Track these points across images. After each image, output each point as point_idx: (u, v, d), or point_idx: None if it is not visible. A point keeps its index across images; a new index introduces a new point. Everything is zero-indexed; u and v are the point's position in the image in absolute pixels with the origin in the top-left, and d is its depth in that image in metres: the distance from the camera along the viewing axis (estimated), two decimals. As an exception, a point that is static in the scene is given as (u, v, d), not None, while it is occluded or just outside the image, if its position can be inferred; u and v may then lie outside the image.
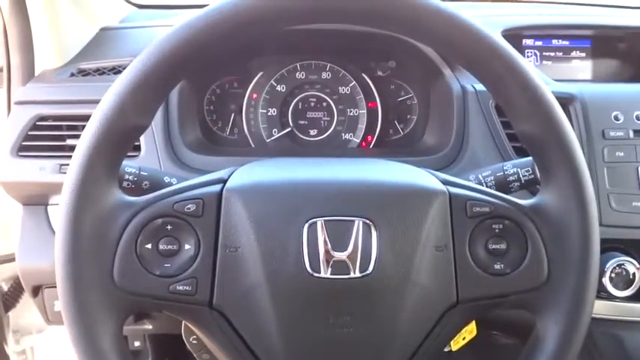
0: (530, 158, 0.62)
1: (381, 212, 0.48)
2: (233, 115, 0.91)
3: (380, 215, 0.47)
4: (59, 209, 0.45)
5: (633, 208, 0.72)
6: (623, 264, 0.70)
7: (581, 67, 0.94)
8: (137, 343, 1.06)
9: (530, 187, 0.61)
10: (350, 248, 0.47)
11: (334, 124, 0.91)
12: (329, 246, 0.46)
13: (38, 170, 0.73)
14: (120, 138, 0.46)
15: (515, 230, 0.50)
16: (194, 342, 0.54)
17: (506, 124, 0.77)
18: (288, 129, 0.90)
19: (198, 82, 0.89)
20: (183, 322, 0.53)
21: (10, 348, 1.19)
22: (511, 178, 0.61)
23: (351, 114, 0.92)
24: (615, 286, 0.69)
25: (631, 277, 0.70)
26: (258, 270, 0.46)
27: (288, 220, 0.47)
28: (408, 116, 0.93)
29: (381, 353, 0.48)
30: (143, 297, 0.47)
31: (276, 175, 0.50)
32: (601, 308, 0.72)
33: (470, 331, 0.78)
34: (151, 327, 0.85)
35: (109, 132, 0.45)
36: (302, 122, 0.92)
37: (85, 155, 0.45)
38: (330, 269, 0.46)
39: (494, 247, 0.50)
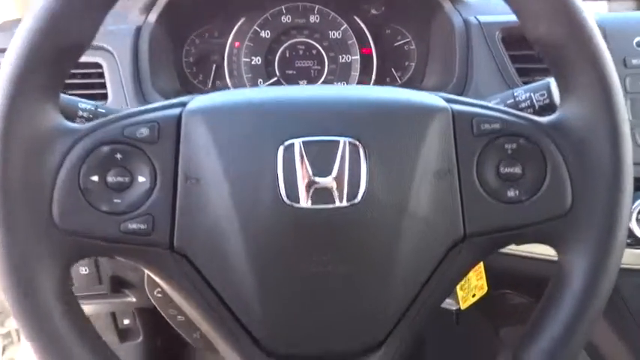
0: (545, 80, 0.54)
1: (370, 130, 0.40)
2: (214, 66, 0.84)
3: (370, 134, 0.40)
4: None
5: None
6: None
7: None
8: (126, 321, 1.00)
9: (545, 113, 0.54)
10: (334, 173, 0.39)
11: (325, 73, 0.84)
12: (309, 171, 0.39)
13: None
14: (55, 55, 0.38)
15: (532, 150, 0.42)
16: (158, 295, 0.46)
17: (514, 58, 0.69)
18: (274, 79, 0.83)
19: (175, 33, 0.81)
20: (146, 273, 0.46)
21: (-5, 331, 1.13)
22: (523, 104, 0.53)
23: (343, 61, 0.84)
24: (645, 229, 0.61)
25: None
26: (225, 203, 0.39)
27: (260, 143, 0.39)
28: (406, 63, 0.86)
29: (375, 297, 0.41)
30: (89, 238, 0.39)
31: (246, 95, 0.42)
32: (627, 257, 0.64)
33: (480, 287, 0.70)
34: (134, 299, 0.79)
35: (41, 45, 0.37)
36: (290, 72, 0.84)
37: (16, 68, 0.37)
38: (311, 198, 0.39)
39: (507, 170, 0.42)
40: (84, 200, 0.39)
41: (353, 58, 0.84)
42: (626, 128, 0.41)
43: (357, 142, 0.39)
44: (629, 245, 0.63)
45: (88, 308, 0.82)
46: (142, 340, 1.01)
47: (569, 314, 0.41)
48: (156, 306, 0.47)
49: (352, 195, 0.39)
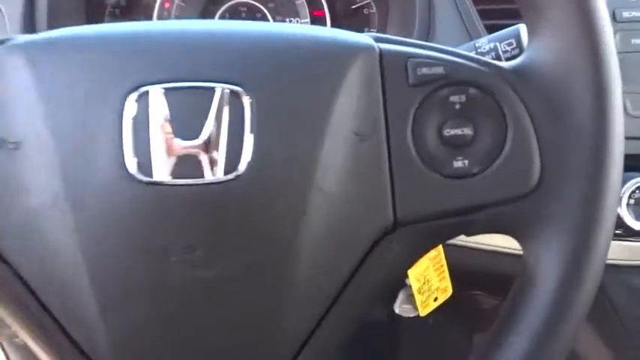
0: (513, 28, 0.43)
1: (260, 74, 0.29)
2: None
3: (259, 79, 0.28)
4: None
5: (658, 114, 0.53)
6: (646, 187, 0.51)
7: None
8: None
9: None
10: (206, 134, 0.28)
11: (271, 39, 0.72)
12: (169, 130, 0.27)
13: None
14: None
15: (487, 105, 0.31)
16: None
17: (483, 14, 0.58)
18: (211, 45, 0.71)
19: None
20: None
21: None
22: (487, 56, 0.42)
23: (292, 22, 0.73)
24: (637, 218, 0.50)
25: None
26: (51, 177, 0.28)
27: (101, 90, 0.28)
28: (366, 29, 0.74)
29: (268, 312, 0.29)
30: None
31: (91, 29, 0.30)
32: (615, 251, 0.53)
33: (443, 289, 0.59)
34: None
35: None
36: (229, 38, 0.72)
37: None
38: (171, 169, 0.27)
39: (452, 132, 0.31)
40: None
41: (302, 21, 0.73)
42: (613, 76, 0.30)
43: (240, 90, 0.28)
44: (617, 237, 0.53)
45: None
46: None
47: (538, 327, 0.30)
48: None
49: (232, 165, 0.28)
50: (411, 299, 0.58)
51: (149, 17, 0.72)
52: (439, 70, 0.30)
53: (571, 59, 0.30)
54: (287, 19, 0.73)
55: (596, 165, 0.29)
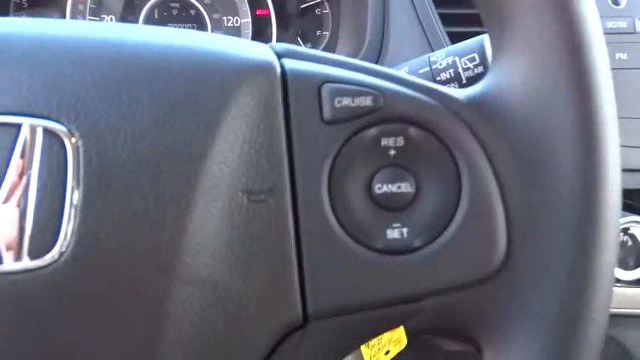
0: (476, 39, 0.35)
1: (94, 106, 0.19)
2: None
3: (92, 113, 0.19)
4: None
5: (644, 141, 0.45)
6: (630, 228, 0.44)
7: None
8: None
9: None
10: (3, 195, 0.18)
11: (207, 40, 0.63)
12: None
13: None
14: None
15: (434, 150, 0.22)
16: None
17: (446, 19, 0.50)
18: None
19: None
20: None
21: None
22: (444, 74, 0.33)
23: (230, 24, 0.64)
24: (621, 264, 0.43)
25: (643, 248, 0.44)
26: None
27: None
28: (318, 32, 0.66)
29: None
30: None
31: None
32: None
33: (396, 341, 0.51)
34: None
35: None
36: (158, 39, 0.62)
37: None
38: None
39: (386, 189, 0.22)
40: None
41: (243, 21, 0.63)
42: (607, 113, 0.22)
43: (61, 128, 0.19)
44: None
45: None
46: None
47: None
48: None
49: (44, 245, 0.18)
50: (358, 355, 0.50)
51: (62, 12, 0.61)
52: (367, 100, 0.22)
53: (549, 87, 0.21)
54: (225, 18, 0.63)
55: (582, 241, 0.21)
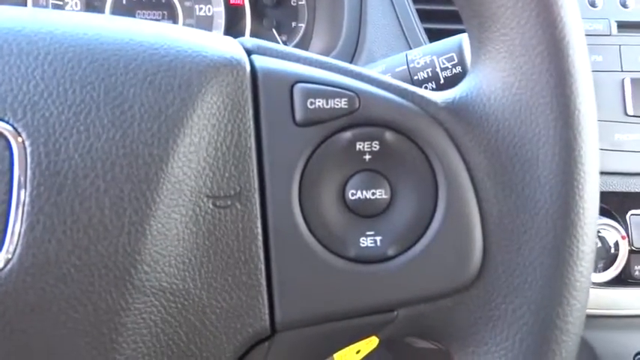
0: (454, 38, 0.34)
1: (44, 102, 0.18)
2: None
3: (41, 110, 0.18)
4: None
5: (616, 144, 0.46)
6: (600, 231, 0.44)
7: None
8: None
9: None
10: None
11: (177, 29, 0.60)
12: None
13: None
14: None
15: (410, 155, 0.21)
16: None
17: (424, 15, 0.49)
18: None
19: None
20: None
21: None
22: (421, 73, 0.32)
23: (202, 13, 0.62)
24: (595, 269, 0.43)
25: (613, 249, 0.45)
26: None
27: None
28: (294, 24, 0.64)
29: None
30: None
31: None
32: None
33: (367, 341, 0.50)
34: None
35: None
36: (126, 26, 0.60)
37: None
38: None
39: (360, 195, 0.21)
40: None
41: (215, 10, 0.61)
42: (589, 120, 0.21)
43: (6, 127, 0.17)
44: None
45: None
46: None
47: None
48: None
49: None
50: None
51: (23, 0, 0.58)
52: (342, 102, 0.20)
53: (529, 94, 0.20)
54: (197, 6, 0.61)
55: (558, 252, 0.20)
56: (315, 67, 0.21)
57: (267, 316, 0.20)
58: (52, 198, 0.17)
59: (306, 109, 0.20)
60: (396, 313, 0.21)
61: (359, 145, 0.21)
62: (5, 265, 0.17)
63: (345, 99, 0.21)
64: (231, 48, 0.21)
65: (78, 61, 0.18)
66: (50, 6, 0.59)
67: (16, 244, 0.17)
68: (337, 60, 0.23)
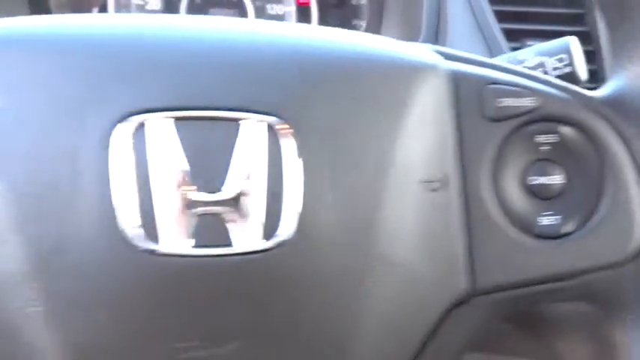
0: (560, 40, 0.37)
1: (305, 101, 0.21)
2: (96, 10, 0.62)
3: (304, 108, 0.21)
4: None
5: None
6: None
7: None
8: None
9: None
10: (231, 184, 0.20)
11: (249, 28, 0.63)
12: (180, 179, 0.19)
13: None
14: None
15: (583, 145, 0.25)
16: None
17: (500, 16, 0.52)
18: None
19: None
20: None
21: None
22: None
23: (274, 12, 0.64)
24: None
25: None
26: (11, 244, 0.19)
27: (77, 118, 0.19)
28: (354, 21, 0.67)
29: None
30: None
31: (49, 21, 0.21)
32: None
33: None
34: None
35: None
36: (201, 24, 0.63)
37: None
38: (185, 233, 0.19)
39: (540, 181, 0.24)
40: None
41: (286, 9, 0.64)
42: None
43: (277, 121, 0.20)
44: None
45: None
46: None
47: None
48: None
49: (269, 229, 0.20)
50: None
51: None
52: (527, 102, 0.24)
53: None
54: (268, 5, 0.64)
55: None
56: (500, 71, 0.24)
57: (466, 284, 0.24)
58: (321, 183, 0.20)
59: (496, 107, 0.24)
60: (570, 281, 0.25)
61: (538, 138, 0.24)
62: (282, 242, 0.20)
63: (529, 98, 0.24)
64: (428, 54, 0.24)
65: (330, 67, 0.21)
66: (133, 5, 0.62)
67: (291, 225, 0.20)
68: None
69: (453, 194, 0.23)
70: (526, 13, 0.51)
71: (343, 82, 0.22)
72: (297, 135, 0.20)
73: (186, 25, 0.22)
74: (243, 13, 0.64)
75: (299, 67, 0.21)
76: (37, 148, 0.19)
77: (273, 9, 0.64)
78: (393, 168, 0.22)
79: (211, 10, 0.64)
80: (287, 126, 0.20)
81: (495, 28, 0.51)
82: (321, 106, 0.21)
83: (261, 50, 0.21)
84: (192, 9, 0.63)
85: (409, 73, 0.23)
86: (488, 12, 0.52)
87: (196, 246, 0.19)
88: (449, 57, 0.24)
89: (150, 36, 0.21)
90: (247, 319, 0.20)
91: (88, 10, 0.63)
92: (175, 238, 0.19)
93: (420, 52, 0.24)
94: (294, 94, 0.21)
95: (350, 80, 0.22)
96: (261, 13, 0.64)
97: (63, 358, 0.19)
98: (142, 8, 0.62)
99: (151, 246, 0.19)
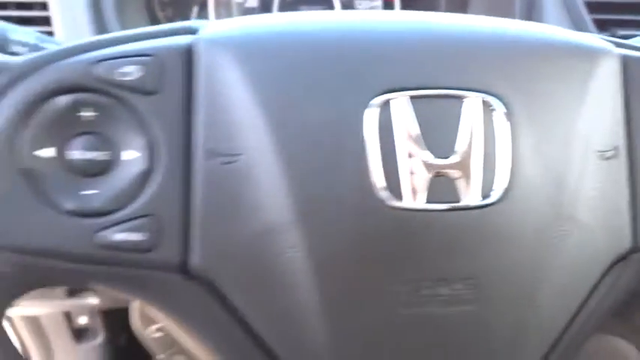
0: None
1: (513, 82, 0.25)
2: (196, 9, 0.66)
3: (511, 87, 0.25)
4: None
5: None
6: None
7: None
8: (83, 320, 0.81)
9: None
10: (459, 150, 0.24)
11: (338, 22, 0.67)
12: (422, 146, 0.23)
13: None
14: None
15: None
16: (156, 336, 0.30)
17: (590, 6, 0.55)
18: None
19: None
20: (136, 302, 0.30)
21: None
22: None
23: (361, 7, 0.68)
24: None
25: None
26: (280, 197, 0.23)
27: (332, 98, 0.23)
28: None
29: (510, 340, 0.26)
30: (43, 257, 0.23)
31: (292, 22, 0.25)
32: None
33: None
34: (97, 301, 0.61)
35: None
36: (293, 19, 0.67)
37: None
38: (424, 191, 0.23)
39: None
40: (30, 192, 0.22)
41: (374, 4, 0.68)
42: None
43: (495, 101, 0.24)
44: None
45: (36, 310, 0.64)
46: (102, 340, 0.83)
47: None
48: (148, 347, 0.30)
49: (487, 187, 0.24)
50: None
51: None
52: None
53: None
54: (356, 1, 0.68)
55: None
56: None
57: (629, 241, 0.27)
58: (525, 154, 0.24)
59: None
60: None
61: None
62: (499, 200, 0.24)
63: None
64: (603, 42, 0.28)
65: (523, 57, 0.25)
66: (233, 4, 0.66)
67: (505, 184, 0.24)
68: None
69: (622, 162, 0.27)
70: (615, 4, 0.54)
71: (539, 64, 0.25)
72: (507, 110, 0.24)
73: (403, 19, 0.26)
74: (330, 8, 0.68)
75: (504, 53, 0.25)
76: (307, 121, 0.23)
77: (361, 4, 0.68)
78: (578, 139, 0.26)
79: (301, 7, 0.68)
80: (499, 102, 0.24)
81: (587, 18, 0.54)
82: (524, 84, 0.25)
83: (471, 39, 0.25)
84: (284, 6, 0.67)
85: (590, 57, 0.26)
86: (579, 3, 0.55)
87: (430, 202, 0.24)
88: (618, 45, 0.28)
89: (382, 30, 0.25)
90: (468, 263, 0.24)
91: (189, 9, 0.68)
92: (414, 196, 0.23)
93: (595, 39, 0.28)
94: (504, 75, 0.25)
95: (544, 63, 0.25)
96: (348, 7, 0.68)
97: (317, 297, 0.24)
98: (240, 6, 0.66)
99: (396, 202, 0.23)
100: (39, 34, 0.33)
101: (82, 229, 0.23)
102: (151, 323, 0.30)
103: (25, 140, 0.22)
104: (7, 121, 0.22)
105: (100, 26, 0.51)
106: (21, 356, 0.26)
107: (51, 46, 0.34)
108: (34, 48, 0.32)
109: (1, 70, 0.22)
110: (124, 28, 0.54)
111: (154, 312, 0.29)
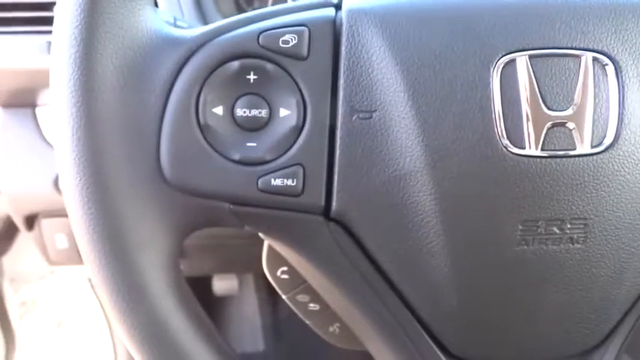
0: None
1: (625, 41, 0.27)
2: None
3: (624, 46, 0.27)
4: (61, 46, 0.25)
5: None
6: None
7: None
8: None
9: None
10: (575, 104, 0.26)
11: None
12: (540, 101, 0.26)
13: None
14: None
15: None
16: (283, 277, 0.34)
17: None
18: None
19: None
20: (266, 246, 0.34)
21: (9, 299, 1.01)
22: None
23: None
24: None
25: None
26: (412, 147, 0.26)
27: (462, 58, 0.26)
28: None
29: (609, 282, 0.29)
30: (213, 200, 0.27)
31: None
32: None
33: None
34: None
35: None
36: None
37: None
38: (542, 141, 0.26)
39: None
40: (205, 143, 0.26)
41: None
42: None
43: (607, 58, 0.27)
44: None
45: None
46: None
47: None
48: (277, 289, 0.35)
49: (598, 137, 0.27)
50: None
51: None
52: None
53: None
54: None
55: None
56: None
57: None
58: (633, 108, 0.27)
59: None
60: None
61: None
62: (610, 147, 0.27)
63: None
64: None
65: (628, 18, 0.28)
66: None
67: (615, 135, 0.27)
68: None
69: None
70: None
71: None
72: (619, 68, 0.27)
73: None
74: None
75: (616, 14, 0.27)
76: (440, 79, 0.26)
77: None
78: None
79: None
80: (612, 61, 0.27)
81: None
82: (634, 43, 0.27)
83: (583, 4, 0.28)
84: None
85: None
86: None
87: (547, 149, 0.27)
88: None
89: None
90: (580, 205, 0.27)
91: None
92: (534, 144, 0.26)
93: None
94: (615, 34, 0.27)
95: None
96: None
97: (443, 236, 0.27)
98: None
99: (517, 150, 0.26)
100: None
101: (248, 176, 0.27)
102: (279, 266, 0.34)
103: (202, 100, 0.26)
104: (190, 85, 0.26)
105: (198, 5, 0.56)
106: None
107: (182, 24, 0.38)
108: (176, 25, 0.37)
109: (181, 43, 0.26)
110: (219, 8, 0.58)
111: (280, 257, 0.33)
